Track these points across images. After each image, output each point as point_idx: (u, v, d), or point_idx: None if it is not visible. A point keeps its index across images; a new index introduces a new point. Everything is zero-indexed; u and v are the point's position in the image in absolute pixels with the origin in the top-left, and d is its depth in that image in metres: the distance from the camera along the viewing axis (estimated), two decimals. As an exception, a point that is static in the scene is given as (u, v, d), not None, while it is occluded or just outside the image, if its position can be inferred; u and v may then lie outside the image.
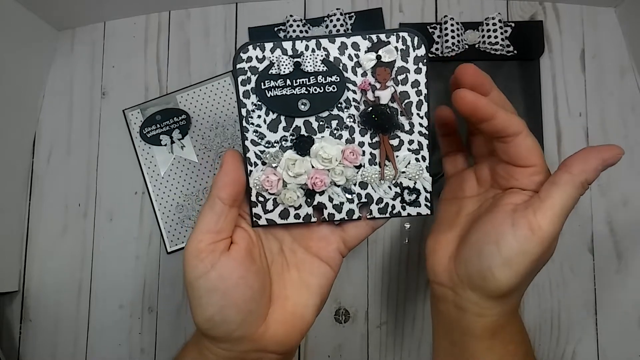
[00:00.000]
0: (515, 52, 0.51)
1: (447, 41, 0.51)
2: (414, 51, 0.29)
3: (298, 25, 0.52)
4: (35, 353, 0.52)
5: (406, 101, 0.30)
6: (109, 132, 0.54)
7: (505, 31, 0.51)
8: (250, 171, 0.31)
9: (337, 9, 0.52)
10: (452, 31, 0.51)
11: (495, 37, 0.50)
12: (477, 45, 0.51)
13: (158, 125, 0.53)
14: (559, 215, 0.29)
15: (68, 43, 0.56)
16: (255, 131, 0.30)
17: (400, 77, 0.29)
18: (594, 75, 0.52)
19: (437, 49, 0.52)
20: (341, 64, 0.29)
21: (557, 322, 0.49)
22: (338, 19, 0.52)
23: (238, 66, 0.30)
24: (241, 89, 0.30)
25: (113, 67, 0.55)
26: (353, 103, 0.30)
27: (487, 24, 0.51)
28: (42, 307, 0.53)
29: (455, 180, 0.37)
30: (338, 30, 0.52)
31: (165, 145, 0.53)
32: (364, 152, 0.30)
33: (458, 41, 0.51)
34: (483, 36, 0.51)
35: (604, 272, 0.50)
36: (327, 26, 0.52)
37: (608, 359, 0.49)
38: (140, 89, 0.55)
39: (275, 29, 0.53)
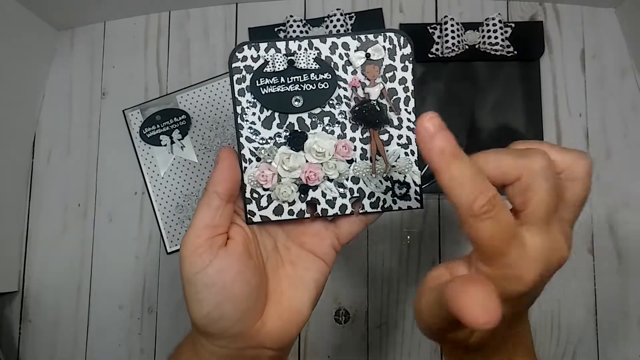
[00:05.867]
0: (516, 52, 0.51)
1: (447, 41, 0.51)
2: (400, 50, 0.31)
3: (298, 26, 0.52)
4: (35, 353, 0.52)
5: (394, 97, 0.31)
6: (108, 132, 0.54)
7: (506, 32, 0.51)
8: (245, 168, 0.32)
9: (337, 9, 0.52)
10: (453, 31, 0.51)
11: (496, 37, 0.50)
12: (477, 46, 0.51)
13: (158, 126, 0.53)
14: None
15: (68, 43, 0.56)
16: (250, 128, 0.31)
17: (388, 75, 0.31)
18: (594, 75, 0.52)
19: (437, 49, 0.51)
20: (332, 63, 0.31)
21: (557, 322, 0.49)
22: (338, 19, 0.52)
23: (233, 65, 0.31)
24: (236, 87, 0.31)
25: (113, 67, 0.55)
26: (344, 100, 0.31)
27: (487, 25, 0.51)
28: (42, 307, 0.53)
29: None
30: (338, 31, 0.52)
31: (165, 145, 0.53)
32: (355, 147, 0.31)
33: (458, 41, 0.51)
34: (483, 37, 0.51)
35: (604, 272, 0.50)
36: (327, 26, 0.52)
37: (608, 359, 0.49)
38: (140, 89, 0.54)
39: (275, 29, 0.53)
